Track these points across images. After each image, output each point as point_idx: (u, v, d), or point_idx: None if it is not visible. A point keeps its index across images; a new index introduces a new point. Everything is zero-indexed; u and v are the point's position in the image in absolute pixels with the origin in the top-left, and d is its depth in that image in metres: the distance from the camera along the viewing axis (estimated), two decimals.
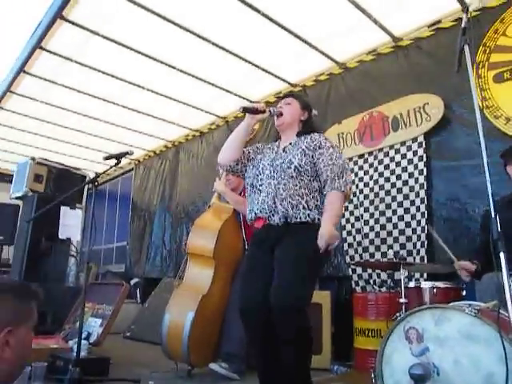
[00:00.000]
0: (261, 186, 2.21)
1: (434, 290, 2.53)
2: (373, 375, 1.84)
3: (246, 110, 2.25)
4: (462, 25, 1.82)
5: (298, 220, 2.10)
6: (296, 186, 2.13)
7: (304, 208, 2.12)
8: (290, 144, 2.28)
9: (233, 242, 3.17)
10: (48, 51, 4.15)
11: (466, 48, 1.78)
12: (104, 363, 2.80)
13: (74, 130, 6.04)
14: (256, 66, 4.35)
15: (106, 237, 8.01)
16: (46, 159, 4.58)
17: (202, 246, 3.10)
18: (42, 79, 4.68)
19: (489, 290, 2.14)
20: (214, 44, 4.01)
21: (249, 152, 2.37)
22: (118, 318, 3.55)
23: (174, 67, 4.44)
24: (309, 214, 2.11)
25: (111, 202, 8.21)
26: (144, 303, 5.66)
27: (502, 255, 1.50)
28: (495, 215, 1.55)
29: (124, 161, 6.27)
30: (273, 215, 2.13)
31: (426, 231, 3.39)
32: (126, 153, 2.92)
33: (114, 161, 2.91)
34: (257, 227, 2.22)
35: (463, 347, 1.63)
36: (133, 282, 6.53)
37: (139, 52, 4.19)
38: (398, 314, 2.10)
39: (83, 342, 2.72)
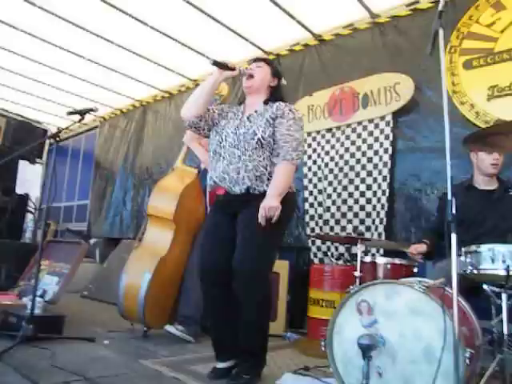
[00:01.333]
0: (224, 153, 2.19)
1: (388, 266, 2.64)
2: (323, 343, 1.91)
3: (216, 63, 2.20)
4: (439, 8, 1.81)
5: (261, 190, 2.13)
6: (260, 157, 2.14)
7: (268, 179, 2.14)
8: (256, 112, 2.25)
9: (194, 207, 3.16)
10: None
11: (441, 32, 1.79)
12: (58, 321, 2.77)
13: (36, 81, 5.74)
14: (231, 30, 4.24)
15: (67, 194, 7.80)
16: (4, 109, 4.36)
17: (163, 208, 3.08)
18: (2, 23, 4.39)
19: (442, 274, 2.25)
20: (189, 3, 3.87)
21: (214, 111, 2.32)
22: (76, 277, 3.51)
23: (146, 24, 4.27)
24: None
25: (74, 158, 7.95)
26: (103, 263, 5.62)
27: (453, 236, 1.57)
28: (451, 198, 1.61)
29: (88, 117, 6.06)
30: (234, 186, 2.14)
31: (385, 209, 3.49)
32: (91, 109, 2.82)
33: (77, 116, 2.82)
34: (219, 193, 2.23)
35: (409, 320, 1.71)
36: (92, 241, 6.45)
37: (111, 5, 3.99)
38: (351, 287, 2.18)
39: (38, 299, 2.68)
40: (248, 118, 2.25)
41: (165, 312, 3.02)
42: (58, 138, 2.83)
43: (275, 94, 2.31)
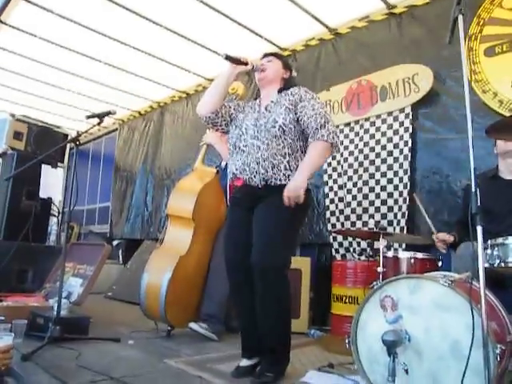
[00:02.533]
0: (245, 146, 2.21)
1: (412, 261, 2.59)
2: (347, 340, 1.89)
3: (229, 58, 2.22)
4: None
5: (278, 182, 2.12)
6: (279, 145, 2.14)
7: (285, 169, 2.13)
8: (272, 102, 2.26)
9: (214, 206, 3.17)
10: (26, 1, 3.94)
11: (460, 18, 1.73)
12: (84, 322, 2.82)
13: (56, 86, 5.84)
14: (246, 28, 4.23)
15: (89, 197, 7.93)
16: (26, 116, 4.45)
17: (182, 207, 3.10)
18: (21, 31, 4.47)
19: (464, 257, 2.21)
20: (203, 3, 3.87)
21: (229, 107, 2.35)
22: (99, 278, 3.56)
23: (160, 25, 4.29)
24: (289, 176, 2.12)
25: (95, 161, 8.08)
26: (126, 264, 5.70)
27: (479, 229, 1.53)
28: (475, 190, 1.56)
29: (108, 120, 6.13)
30: (254, 177, 2.14)
31: (407, 202, 3.43)
32: (109, 112, 2.86)
33: (96, 120, 2.85)
34: (237, 185, 2.25)
35: (435, 316, 1.67)
36: (115, 242, 6.55)
37: (126, 8, 4.01)
38: (374, 283, 2.14)
39: (63, 301, 2.73)
40: (266, 108, 2.26)
41: (187, 311, 3.04)
42: (78, 142, 2.87)
43: (288, 85, 2.33)
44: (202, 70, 5.35)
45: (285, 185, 2.09)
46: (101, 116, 2.84)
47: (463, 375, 1.50)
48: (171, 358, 2.42)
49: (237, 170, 2.20)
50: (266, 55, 2.40)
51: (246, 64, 2.25)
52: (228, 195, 3.21)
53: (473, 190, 1.57)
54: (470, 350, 1.51)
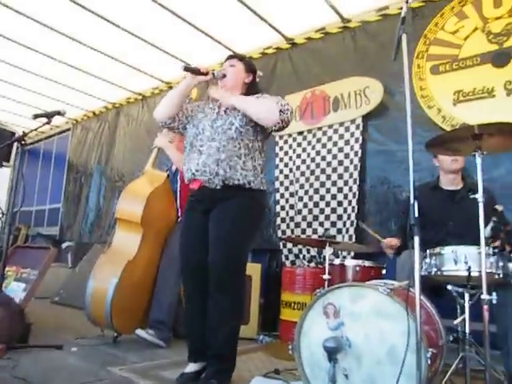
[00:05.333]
0: (201, 146, 2.21)
1: (357, 268, 2.67)
2: (290, 346, 1.92)
3: (187, 69, 2.23)
4: (402, 14, 1.86)
5: (236, 182, 2.13)
6: (235, 147, 2.16)
7: (242, 169, 2.15)
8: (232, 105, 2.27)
9: (163, 210, 3.13)
10: None
11: (404, 37, 1.82)
12: (24, 329, 2.70)
13: (6, 82, 5.62)
14: (204, 33, 4.24)
15: (39, 198, 7.63)
16: None
17: (130, 211, 3.03)
18: None
19: (406, 264, 2.31)
20: (162, 6, 3.85)
21: (187, 109, 2.36)
22: (46, 283, 3.43)
23: (118, 26, 4.23)
24: (246, 176, 2.15)
25: (45, 161, 7.78)
26: (75, 268, 5.51)
27: (416, 239, 1.60)
28: (414, 201, 1.63)
29: (60, 119, 5.94)
30: (213, 177, 2.14)
31: (356, 211, 3.53)
32: (58, 112, 2.76)
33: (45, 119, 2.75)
34: (193, 188, 2.25)
35: (374, 323, 1.73)
36: (64, 245, 6.32)
37: (84, 7, 3.94)
38: (318, 290, 2.19)
39: None
40: (225, 111, 2.27)
41: (135, 317, 2.98)
42: (23, 142, 2.76)
43: (251, 90, 2.33)
44: (158, 73, 5.32)
45: (242, 186, 2.13)
46: (49, 115, 2.74)
47: (398, 379, 1.56)
48: (115, 365, 2.36)
49: (197, 171, 2.18)
50: (229, 57, 2.40)
51: (206, 74, 2.25)
52: (178, 199, 3.19)
53: (411, 201, 1.64)
54: (405, 354, 1.57)
